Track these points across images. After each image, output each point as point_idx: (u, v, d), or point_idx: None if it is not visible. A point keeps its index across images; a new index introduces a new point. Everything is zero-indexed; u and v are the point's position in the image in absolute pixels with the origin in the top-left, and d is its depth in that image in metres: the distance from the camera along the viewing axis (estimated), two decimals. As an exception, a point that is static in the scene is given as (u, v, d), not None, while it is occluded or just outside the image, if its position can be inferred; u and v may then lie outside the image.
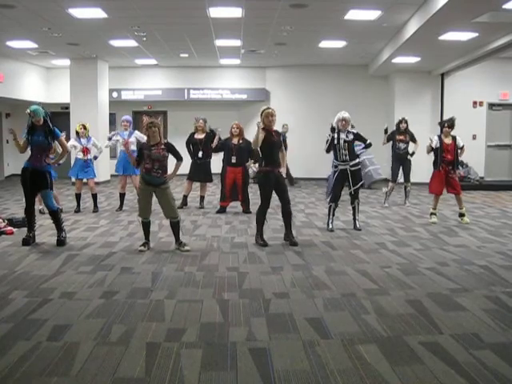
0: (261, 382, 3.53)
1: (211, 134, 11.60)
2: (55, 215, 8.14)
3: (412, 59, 15.51)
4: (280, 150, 8.12)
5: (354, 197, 9.33)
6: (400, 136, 12.41)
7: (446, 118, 16.71)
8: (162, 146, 7.62)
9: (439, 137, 10.15)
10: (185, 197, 11.90)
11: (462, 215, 10.09)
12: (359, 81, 18.73)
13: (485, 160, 17.76)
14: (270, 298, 5.38)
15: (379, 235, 8.82)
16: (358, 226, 9.31)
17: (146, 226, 7.82)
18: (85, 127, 11.53)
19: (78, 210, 11.30)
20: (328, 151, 9.28)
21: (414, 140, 12.44)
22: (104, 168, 17.17)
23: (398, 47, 13.61)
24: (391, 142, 12.57)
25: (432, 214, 10.18)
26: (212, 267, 6.68)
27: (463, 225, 9.77)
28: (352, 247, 7.90)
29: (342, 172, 9.18)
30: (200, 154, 11.58)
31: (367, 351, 4.02)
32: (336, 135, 9.12)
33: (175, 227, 7.74)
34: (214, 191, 14.63)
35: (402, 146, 12.40)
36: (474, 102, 17.81)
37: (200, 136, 11.67)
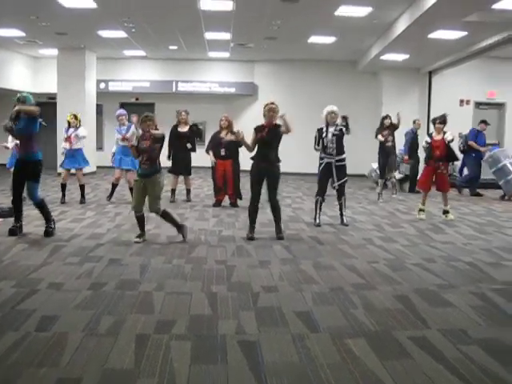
0: (251, 375, 3.54)
1: (195, 128, 11.59)
2: (41, 207, 8.08)
3: (401, 56, 15.58)
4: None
5: (341, 193, 9.35)
6: (385, 131, 12.70)
7: (432, 115, 16.87)
8: (149, 138, 7.59)
9: (430, 135, 10.27)
10: (173, 190, 11.86)
11: (446, 212, 10.16)
12: (348, 77, 18.78)
13: (470, 158, 17.85)
14: (259, 291, 5.40)
15: (366, 231, 8.86)
16: (344, 221, 9.33)
17: (139, 219, 7.82)
18: (76, 117, 11.44)
19: (63, 201, 11.23)
20: (318, 146, 9.27)
21: (395, 126, 12.86)
22: (90, 159, 17.04)
23: (387, 44, 13.67)
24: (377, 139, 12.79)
25: (420, 210, 10.25)
26: (200, 260, 6.68)
27: (449, 222, 9.84)
28: (339, 242, 7.93)
29: (326, 165, 9.20)
30: (189, 146, 11.54)
31: (356, 345, 4.04)
32: (324, 128, 9.14)
33: (166, 218, 7.82)
34: (200, 184, 14.62)
35: (390, 139, 12.76)
36: (461, 101, 17.93)
37: (184, 129, 11.62)
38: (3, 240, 7.57)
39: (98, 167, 17.66)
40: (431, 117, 16.84)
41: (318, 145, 9.26)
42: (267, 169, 8.00)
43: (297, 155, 17.66)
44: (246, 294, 5.31)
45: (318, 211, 9.31)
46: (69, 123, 11.43)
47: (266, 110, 7.98)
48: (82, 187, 11.43)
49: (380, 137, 12.66)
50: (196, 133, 11.62)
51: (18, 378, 3.44)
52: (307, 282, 5.80)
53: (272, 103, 8.07)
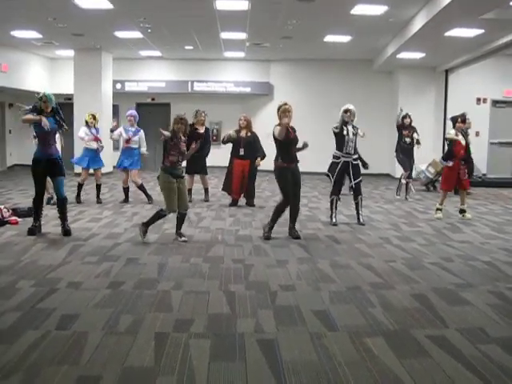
0: (270, 373, 3.56)
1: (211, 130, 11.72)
2: (64, 203, 8.19)
3: (417, 55, 15.49)
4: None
5: (357, 192, 9.31)
6: (405, 131, 12.70)
7: (449, 114, 16.75)
8: (185, 141, 7.85)
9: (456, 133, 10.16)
10: (189, 190, 11.88)
11: (463, 211, 10.10)
12: (363, 76, 18.70)
13: (487, 157, 17.75)
14: (276, 290, 5.42)
15: (383, 230, 8.84)
16: (361, 220, 9.31)
17: (181, 218, 7.93)
18: (94, 117, 11.54)
19: (79, 201, 11.32)
20: (337, 129, 9.14)
21: (417, 140, 12.68)
22: (107, 160, 17.13)
23: (404, 43, 13.60)
24: (397, 136, 12.88)
25: (438, 209, 10.20)
26: (217, 259, 6.71)
27: (466, 221, 9.79)
28: (356, 241, 7.93)
29: (344, 164, 9.17)
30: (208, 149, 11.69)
31: (374, 344, 4.05)
32: (344, 127, 9.12)
33: (183, 218, 7.91)
34: (216, 184, 14.65)
35: (408, 140, 12.69)
36: (478, 99, 17.79)
37: (201, 130, 11.68)
38: (22, 239, 7.65)
39: (114, 167, 17.72)
40: (448, 116, 16.88)
41: (342, 143, 9.15)
42: (296, 169, 8.08)
43: (312, 154, 17.58)
44: (264, 292, 5.33)
45: (334, 210, 9.31)
46: (87, 123, 11.52)
47: (282, 111, 7.89)
48: (98, 187, 11.51)
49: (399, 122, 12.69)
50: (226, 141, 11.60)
51: (39, 376, 3.48)
52: (324, 280, 5.81)
53: (285, 104, 8.00)
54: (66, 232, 8.00)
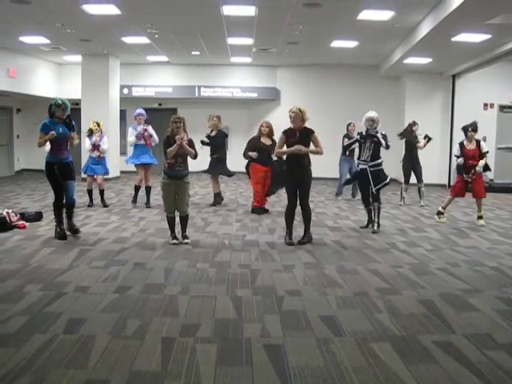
0: (276, 378, 3.57)
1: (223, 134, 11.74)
2: (72, 208, 8.31)
3: (424, 60, 15.47)
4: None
5: (375, 198, 9.17)
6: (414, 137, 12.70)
7: (456, 119, 16.83)
8: (186, 142, 7.79)
9: (460, 144, 10.08)
10: (217, 194, 11.96)
11: (480, 217, 10.01)
12: (370, 81, 18.69)
13: (495, 162, 17.64)
14: (283, 295, 5.42)
15: (390, 235, 8.83)
16: (375, 228, 9.09)
17: (171, 220, 8.03)
18: (98, 125, 11.63)
19: (90, 205, 11.47)
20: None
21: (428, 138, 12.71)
22: (114, 165, 17.20)
23: (410, 48, 13.59)
24: (404, 145, 12.90)
25: (440, 213, 10.20)
26: (224, 264, 6.72)
27: (473, 226, 9.77)
28: (363, 247, 7.92)
29: (361, 171, 9.14)
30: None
31: (381, 349, 4.05)
32: (365, 134, 9.11)
33: (184, 220, 8.05)
34: (222, 189, 14.65)
35: (415, 150, 12.73)
36: (485, 104, 17.73)
37: (213, 134, 11.88)
38: (30, 244, 7.69)
39: (121, 172, 17.80)
40: (455, 121, 16.88)
41: (348, 148, 9.20)
42: (301, 176, 7.99)
43: (319, 160, 17.59)
44: (271, 297, 5.33)
45: (373, 218, 9.20)
46: (91, 131, 11.61)
47: (289, 116, 7.97)
48: (101, 192, 11.62)
49: (421, 144, 12.64)
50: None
51: (46, 380, 3.50)
52: (331, 286, 5.81)
53: (292, 107, 8.05)
54: (74, 231, 8.10)
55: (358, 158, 9.29)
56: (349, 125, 13.47)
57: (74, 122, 8.29)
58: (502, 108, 17.84)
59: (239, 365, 3.76)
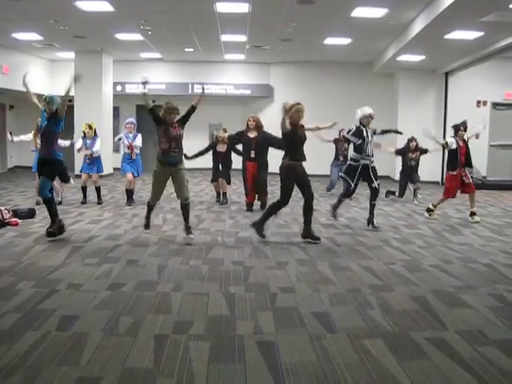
0: (269, 375, 3.57)
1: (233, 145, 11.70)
2: (49, 203, 7.95)
3: (417, 57, 15.52)
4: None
5: (376, 194, 9.16)
6: (412, 154, 12.80)
7: (449, 116, 16.89)
8: (176, 125, 7.77)
9: (456, 140, 10.12)
10: (224, 194, 11.97)
11: (473, 214, 10.09)
12: (363, 78, 18.72)
13: (487, 159, 17.75)
14: (276, 292, 5.42)
15: (383, 232, 8.85)
16: (375, 223, 9.11)
17: (152, 207, 8.06)
18: (90, 127, 11.59)
19: (84, 202, 11.47)
20: (351, 137, 9.13)
21: (425, 151, 12.85)
22: (107, 162, 17.15)
23: (404, 45, 13.63)
24: (401, 159, 13.09)
25: (431, 210, 10.26)
26: (217, 261, 6.71)
27: (466, 223, 9.81)
28: (356, 244, 7.94)
29: (364, 166, 9.02)
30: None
31: (373, 346, 4.06)
32: (364, 129, 9.09)
33: (186, 209, 7.84)
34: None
35: (413, 163, 12.84)
36: (478, 102, 17.79)
37: (222, 149, 11.79)
38: (22, 241, 7.66)
39: (114, 169, 17.76)
40: (448, 119, 16.93)
41: (352, 137, 9.10)
42: (303, 170, 8.02)
43: (312, 156, 17.61)
44: (264, 294, 5.33)
45: (337, 210, 9.32)
46: (84, 133, 11.60)
47: (295, 110, 7.85)
48: (97, 189, 11.61)
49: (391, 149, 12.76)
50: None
51: (39, 377, 3.49)
52: (324, 282, 5.81)
53: (299, 103, 7.97)
54: (48, 233, 7.80)
55: (359, 153, 9.04)
56: (341, 131, 13.55)
57: (61, 119, 7.97)
58: (495, 105, 17.91)
59: (232, 362, 3.76)
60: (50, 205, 7.98)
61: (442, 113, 17.53)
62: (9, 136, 11.90)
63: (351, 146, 9.45)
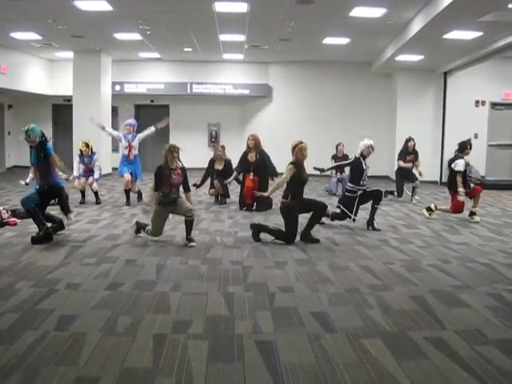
0: (268, 374, 3.57)
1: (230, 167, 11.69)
2: (30, 214, 7.81)
3: (415, 57, 15.50)
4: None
5: (380, 197, 9.23)
6: (409, 156, 12.83)
7: (448, 116, 16.93)
8: (179, 171, 7.72)
9: (466, 163, 10.08)
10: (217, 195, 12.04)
11: (473, 214, 10.09)
12: (362, 78, 18.69)
13: (486, 159, 17.74)
14: (275, 291, 5.43)
15: (381, 232, 8.86)
16: (375, 225, 9.12)
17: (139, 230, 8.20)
18: (87, 145, 11.56)
19: (82, 202, 11.47)
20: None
21: (416, 158, 12.85)
22: (105, 161, 17.14)
23: (402, 45, 13.60)
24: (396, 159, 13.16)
25: (431, 209, 10.27)
26: (216, 261, 6.72)
27: (465, 223, 9.81)
28: (355, 243, 7.94)
29: (360, 195, 9.05)
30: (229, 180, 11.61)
31: (372, 345, 4.06)
32: (362, 160, 9.13)
33: (189, 224, 7.73)
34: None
35: (410, 164, 12.84)
36: (477, 102, 17.77)
37: (220, 167, 11.81)
38: (21, 241, 7.66)
39: (113, 169, 17.73)
40: (446, 118, 16.96)
41: (360, 176, 9.09)
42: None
43: (310, 157, 17.63)
44: (263, 294, 5.34)
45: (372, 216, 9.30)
46: (81, 151, 11.59)
47: (298, 149, 7.90)
48: (95, 193, 11.65)
49: (401, 163, 12.78)
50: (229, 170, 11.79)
51: (38, 377, 3.49)
52: (323, 282, 5.82)
53: (301, 142, 8.01)
54: (32, 238, 7.60)
55: (356, 184, 9.05)
56: (338, 145, 13.62)
57: (47, 147, 7.78)
58: (494, 105, 17.89)
59: (231, 361, 3.77)
60: (35, 215, 7.76)
61: (441, 113, 17.52)
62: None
63: (332, 146, 9.44)
